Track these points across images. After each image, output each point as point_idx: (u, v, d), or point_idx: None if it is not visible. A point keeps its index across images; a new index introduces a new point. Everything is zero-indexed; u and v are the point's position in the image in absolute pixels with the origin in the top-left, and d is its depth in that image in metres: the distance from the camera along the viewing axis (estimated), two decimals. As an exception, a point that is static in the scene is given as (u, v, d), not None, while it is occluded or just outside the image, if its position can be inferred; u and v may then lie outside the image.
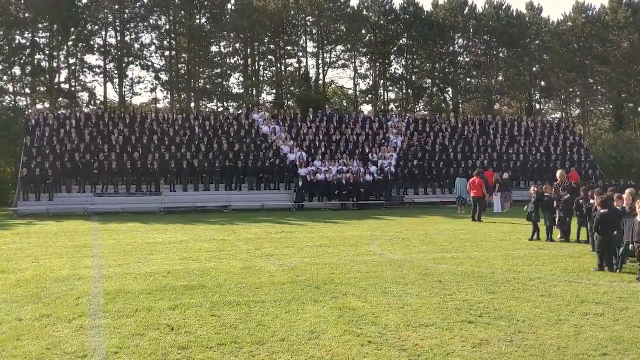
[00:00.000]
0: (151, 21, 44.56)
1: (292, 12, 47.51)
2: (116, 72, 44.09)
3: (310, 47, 49.51)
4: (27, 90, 42.09)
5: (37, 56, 41.00)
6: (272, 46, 47.92)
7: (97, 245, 13.20)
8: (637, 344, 5.45)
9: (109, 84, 45.09)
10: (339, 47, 49.90)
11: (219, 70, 46.61)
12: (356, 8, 48.90)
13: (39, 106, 37.49)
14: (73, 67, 43.27)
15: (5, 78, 40.24)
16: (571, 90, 53.55)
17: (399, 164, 29.96)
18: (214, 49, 47.14)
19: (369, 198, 27.61)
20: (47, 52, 41.16)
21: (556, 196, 13.77)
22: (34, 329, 5.98)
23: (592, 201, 11.37)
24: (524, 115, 45.14)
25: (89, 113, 31.10)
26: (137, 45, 44.36)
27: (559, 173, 15.00)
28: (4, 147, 36.59)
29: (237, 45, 47.42)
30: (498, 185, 24.99)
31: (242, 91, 47.37)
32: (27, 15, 40.16)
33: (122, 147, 27.60)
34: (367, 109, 50.24)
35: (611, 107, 51.90)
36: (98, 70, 43.76)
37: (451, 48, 51.24)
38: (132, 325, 6.07)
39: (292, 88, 47.72)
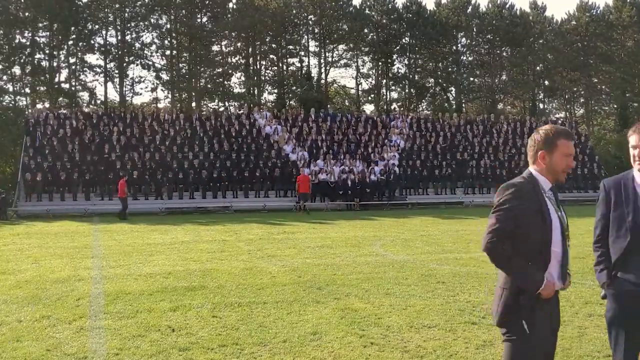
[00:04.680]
0: (152, 20, 44.58)
1: (294, 11, 47.45)
2: (116, 71, 44.09)
3: (312, 46, 49.51)
4: (27, 90, 42.10)
5: (37, 55, 41.06)
6: (273, 45, 47.86)
7: (97, 246, 13.17)
8: (643, 345, 5.38)
9: (109, 84, 45.16)
10: (341, 46, 49.85)
11: (220, 70, 46.58)
12: (358, 7, 48.85)
13: (39, 106, 37.48)
14: (73, 67, 43.28)
15: (5, 77, 40.24)
16: (575, 89, 53.43)
17: (401, 164, 29.92)
18: (215, 48, 47.16)
19: (372, 198, 27.58)
20: (47, 52, 41.15)
21: None
22: (34, 330, 5.93)
23: None
24: (528, 114, 45.04)
25: (89, 113, 31.03)
26: (137, 45, 44.40)
27: None
28: (4, 147, 36.58)
29: (239, 45, 47.38)
30: None
31: (243, 91, 47.33)
32: (27, 14, 40.15)
33: (123, 147, 27.55)
34: (369, 108, 50.23)
35: (615, 106, 51.78)
36: (98, 70, 43.79)
37: (454, 47, 51.17)
38: (133, 327, 6.02)
39: (294, 87, 47.67)
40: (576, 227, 16.09)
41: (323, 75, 49.36)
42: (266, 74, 49.45)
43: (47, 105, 38.91)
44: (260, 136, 30.56)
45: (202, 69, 46.02)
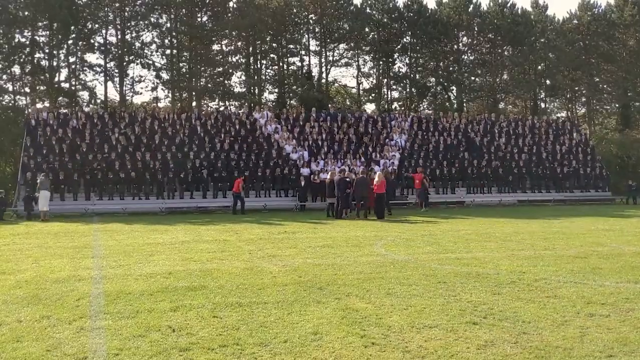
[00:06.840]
0: (152, 19, 44.47)
1: (294, 10, 47.40)
2: (116, 70, 44.01)
3: (313, 45, 49.45)
4: (27, 90, 42.02)
5: (37, 55, 40.94)
6: (274, 44, 47.80)
7: (97, 246, 13.14)
8: (645, 346, 5.37)
9: (109, 83, 45.05)
10: (342, 45, 49.79)
11: (220, 69, 46.49)
12: (359, 6, 48.77)
13: (39, 105, 37.42)
14: (73, 66, 43.20)
15: (4, 77, 40.16)
16: (576, 88, 53.36)
17: (402, 163, 29.87)
18: (215, 47, 47.05)
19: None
20: (47, 51, 41.06)
21: None
22: (34, 331, 5.92)
23: None
24: (529, 114, 44.98)
25: (89, 112, 30.97)
26: (137, 44, 44.28)
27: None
28: (4, 147, 36.52)
29: (239, 44, 47.32)
30: None
31: (243, 90, 47.27)
32: (26, 13, 40.06)
33: (123, 147, 27.51)
34: (370, 107, 50.17)
35: (617, 105, 51.73)
36: (98, 69, 43.70)
37: (455, 46, 51.08)
38: (133, 327, 6.00)
39: (295, 87, 47.60)
40: (577, 227, 16.05)
41: (324, 75, 49.35)
42: (267, 74, 49.42)
43: (47, 104, 38.88)
44: (261, 135, 30.52)
45: (203, 68, 45.95)
